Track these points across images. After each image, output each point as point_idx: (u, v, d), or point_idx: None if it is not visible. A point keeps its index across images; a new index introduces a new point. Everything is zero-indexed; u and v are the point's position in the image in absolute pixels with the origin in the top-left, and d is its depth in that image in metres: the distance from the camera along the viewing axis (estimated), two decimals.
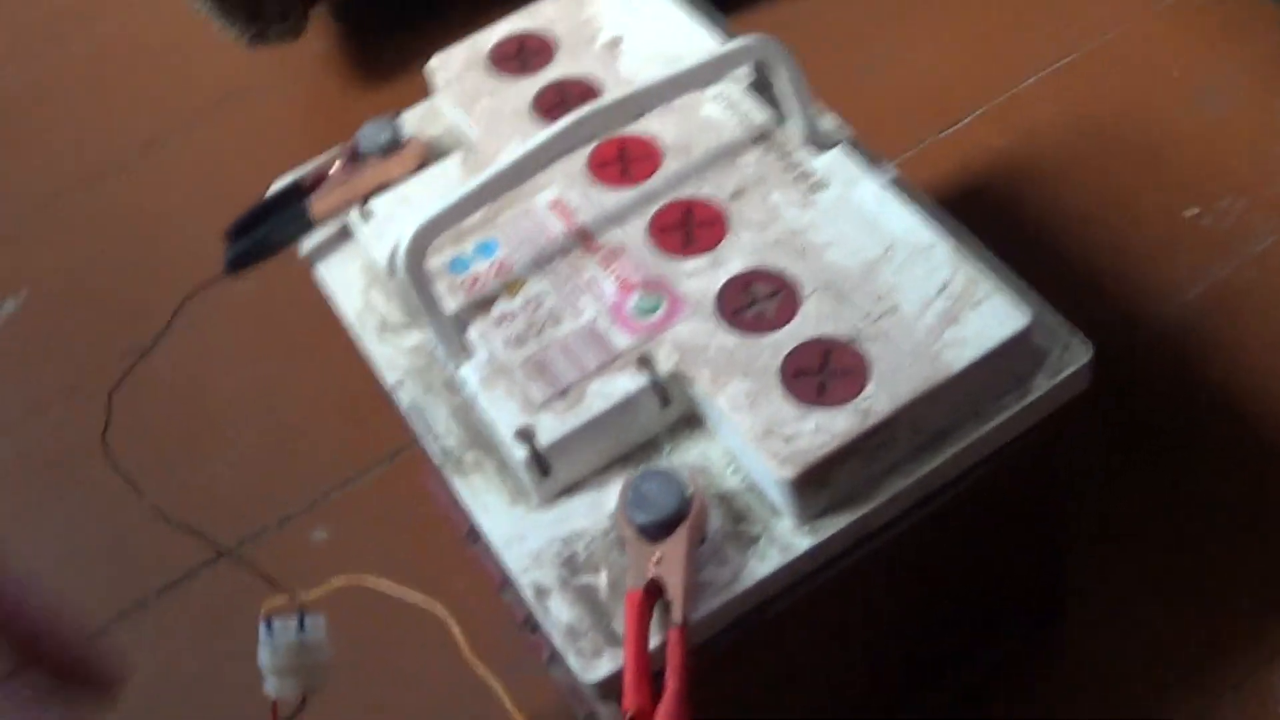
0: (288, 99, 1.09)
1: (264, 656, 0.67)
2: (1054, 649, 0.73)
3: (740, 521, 0.55)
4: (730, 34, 0.67)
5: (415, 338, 0.63)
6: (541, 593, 0.55)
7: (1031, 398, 0.57)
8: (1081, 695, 0.72)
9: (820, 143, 0.63)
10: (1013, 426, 0.57)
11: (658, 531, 0.53)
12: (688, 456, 0.57)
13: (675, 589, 0.52)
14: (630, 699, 0.51)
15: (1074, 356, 0.57)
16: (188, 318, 0.73)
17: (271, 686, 0.68)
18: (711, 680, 0.54)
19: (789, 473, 0.53)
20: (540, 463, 0.56)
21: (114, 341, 0.85)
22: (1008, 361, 0.56)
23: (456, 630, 0.65)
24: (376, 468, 0.86)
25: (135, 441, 0.74)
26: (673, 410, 0.58)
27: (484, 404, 0.57)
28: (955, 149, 0.93)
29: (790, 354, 0.56)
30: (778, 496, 0.55)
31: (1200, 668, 0.72)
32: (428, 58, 0.72)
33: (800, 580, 0.56)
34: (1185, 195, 0.88)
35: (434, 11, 0.75)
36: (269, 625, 0.66)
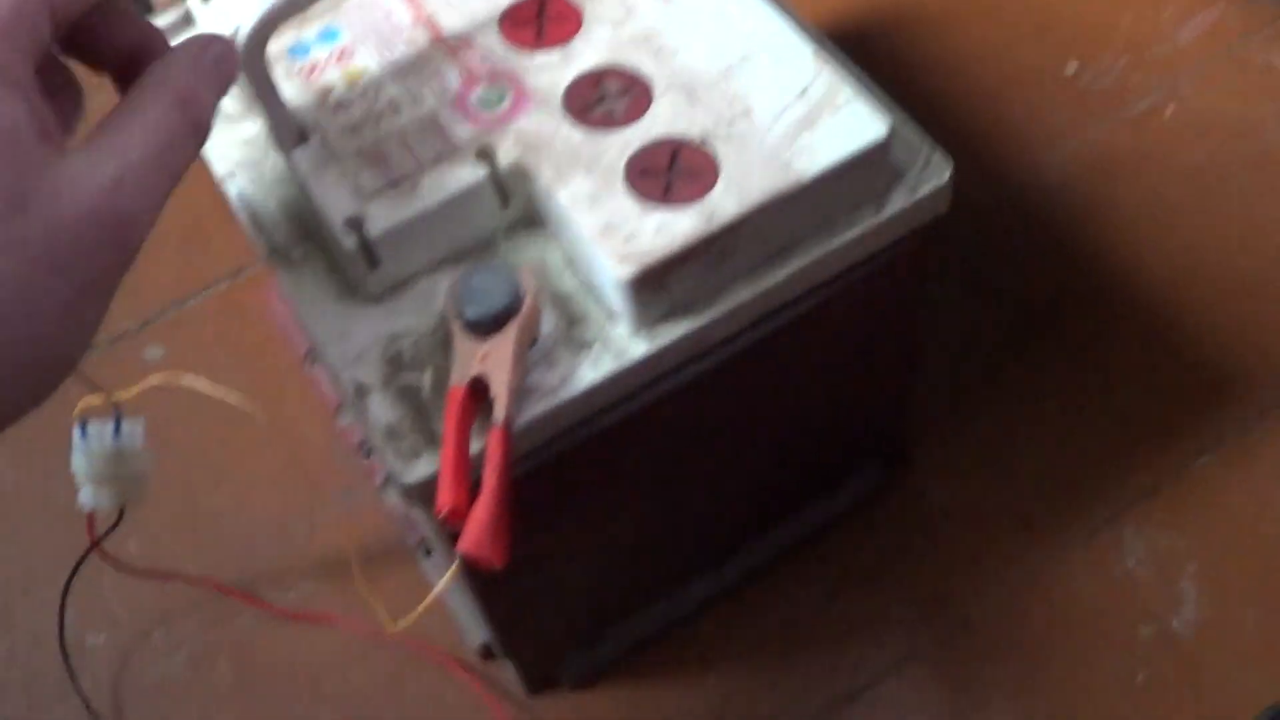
0: None
1: (78, 462, 0.63)
2: (903, 492, 0.72)
3: (574, 325, 0.53)
4: None
5: (251, 129, 0.60)
6: (362, 391, 0.52)
7: (887, 214, 0.54)
8: (930, 540, 0.71)
9: None
10: (866, 243, 0.55)
11: (486, 327, 0.51)
12: (524, 257, 0.55)
13: (500, 387, 0.50)
14: (445, 496, 0.48)
15: (933, 174, 0.55)
16: None
17: (87, 497, 0.64)
18: (537, 495, 0.52)
19: (627, 271, 0.50)
20: (369, 253, 0.53)
21: None
22: (864, 173, 0.54)
23: (273, 433, 0.62)
24: (216, 285, 0.83)
25: None
26: (512, 209, 0.55)
27: (314, 191, 0.54)
28: None
29: (637, 152, 0.53)
30: (615, 299, 0.52)
31: (1052, 518, 0.71)
32: None
33: (634, 391, 0.53)
34: (1068, 51, 0.87)
35: None
36: (83, 429, 0.63)
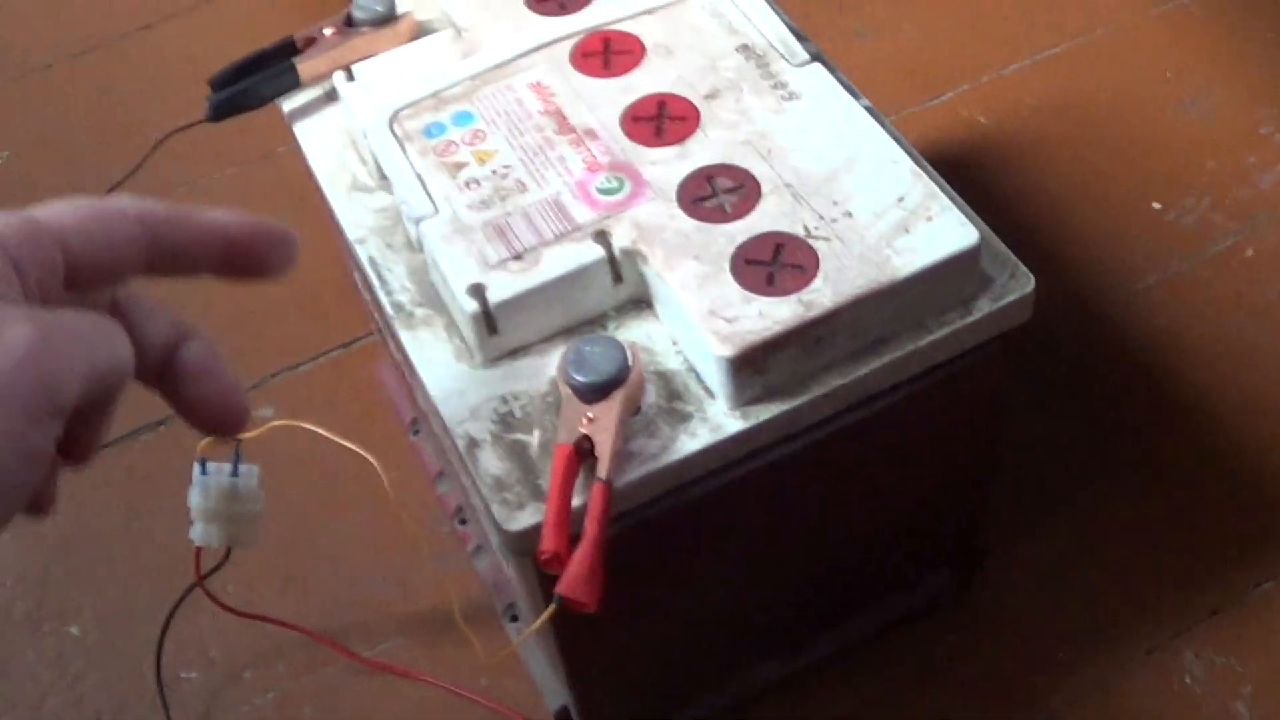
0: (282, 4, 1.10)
1: (194, 497, 0.67)
2: (974, 598, 0.74)
3: (675, 399, 0.57)
4: None
5: (383, 199, 0.64)
6: (473, 445, 0.56)
7: (973, 317, 0.58)
8: (996, 647, 0.73)
9: (800, 61, 0.64)
10: (952, 343, 0.58)
11: (593, 393, 0.54)
12: (632, 334, 0.59)
13: (603, 448, 0.53)
14: (548, 542, 0.52)
15: (1018, 285, 0.59)
16: (164, 168, 0.73)
17: (197, 533, 0.68)
18: (629, 554, 0.55)
19: (727, 351, 0.54)
20: (489, 320, 0.57)
21: (92, 187, 0.84)
22: (953, 277, 0.57)
23: (385, 480, 0.65)
24: (328, 353, 0.87)
25: None
26: (623, 289, 0.59)
27: (441, 259, 0.58)
28: (935, 120, 0.95)
29: (743, 244, 0.57)
30: (714, 377, 0.56)
31: (1116, 631, 0.73)
32: None
33: (727, 465, 0.57)
34: (1154, 189, 0.90)
35: None
36: (203, 466, 0.67)
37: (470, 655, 0.74)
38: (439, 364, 0.59)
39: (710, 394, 0.56)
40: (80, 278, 0.42)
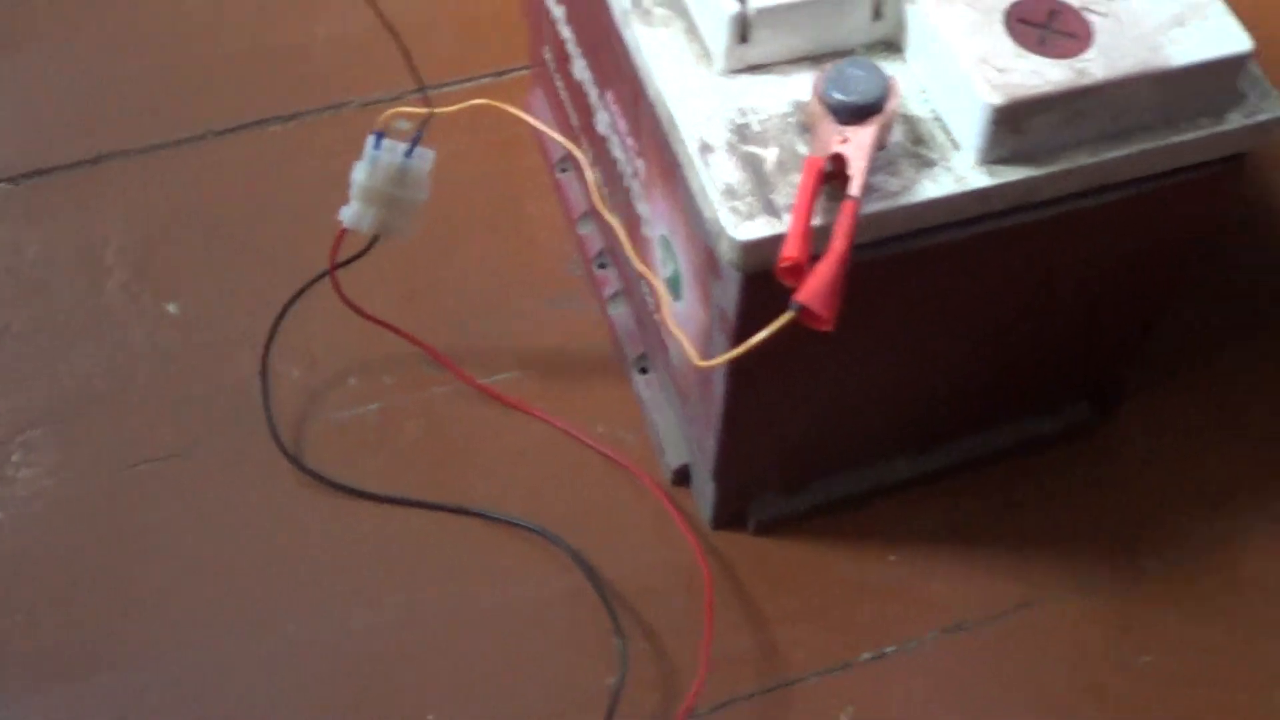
0: None
1: (359, 173, 0.64)
2: (1107, 436, 0.73)
3: (920, 145, 0.55)
4: None
5: None
6: (706, 149, 0.54)
7: (1225, 127, 0.56)
8: (1122, 485, 0.72)
9: None
10: (1199, 149, 0.57)
11: (851, 114, 0.52)
12: None
13: (857, 168, 0.51)
14: (792, 249, 0.50)
15: (1271, 106, 0.57)
16: None
17: (350, 214, 0.65)
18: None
19: (997, 99, 0.52)
20: (744, 26, 0.55)
21: None
22: (1216, 81, 0.56)
23: (509, 231, 0.63)
24: (479, 79, 0.84)
25: None
26: (879, 27, 0.57)
27: None
28: None
29: (1017, 2, 0.55)
30: (968, 128, 0.54)
31: (1245, 497, 0.73)
32: None
33: (959, 221, 0.55)
34: None
35: None
36: (378, 140, 0.64)
37: (587, 401, 0.72)
38: (675, 65, 0.57)
39: (957, 146, 0.54)
40: None
